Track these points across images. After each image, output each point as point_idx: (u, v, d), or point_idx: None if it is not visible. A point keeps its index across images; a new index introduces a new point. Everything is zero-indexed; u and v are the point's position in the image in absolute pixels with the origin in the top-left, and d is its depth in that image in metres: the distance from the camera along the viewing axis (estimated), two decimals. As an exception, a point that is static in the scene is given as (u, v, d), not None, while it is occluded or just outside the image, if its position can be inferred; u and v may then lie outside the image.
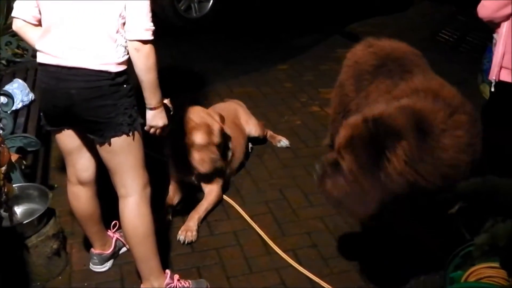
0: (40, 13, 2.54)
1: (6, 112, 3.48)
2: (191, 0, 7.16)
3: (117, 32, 2.44)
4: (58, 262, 3.10)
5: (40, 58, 2.55)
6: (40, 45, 2.53)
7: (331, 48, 6.58)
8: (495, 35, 3.23)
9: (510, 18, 3.08)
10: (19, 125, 3.57)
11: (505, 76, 3.18)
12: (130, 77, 2.57)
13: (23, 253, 2.90)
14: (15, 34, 4.76)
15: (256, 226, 3.54)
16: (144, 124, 2.65)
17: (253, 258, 3.29)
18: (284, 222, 3.60)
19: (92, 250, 3.14)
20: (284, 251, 3.31)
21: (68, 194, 2.94)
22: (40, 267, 3.00)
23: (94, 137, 2.60)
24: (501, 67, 3.18)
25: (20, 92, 3.71)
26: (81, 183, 2.88)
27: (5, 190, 2.46)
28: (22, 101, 3.72)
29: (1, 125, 3.35)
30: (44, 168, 4.13)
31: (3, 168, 2.42)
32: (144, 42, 2.45)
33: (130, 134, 2.56)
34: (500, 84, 3.21)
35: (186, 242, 3.39)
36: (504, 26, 3.11)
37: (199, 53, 6.51)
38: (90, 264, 3.17)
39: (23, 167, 2.78)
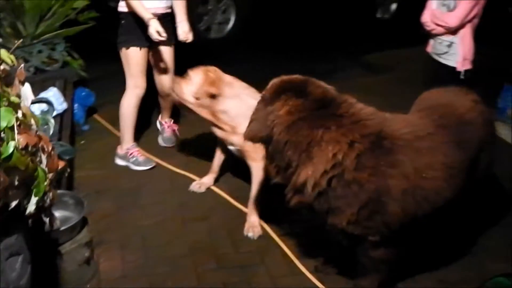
0: None
1: (49, 118, 3.53)
2: (211, 21, 7.28)
3: None
4: (87, 270, 3.13)
5: None
6: None
7: (353, 77, 6.62)
8: (447, 38, 4.20)
9: (468, 24, 4.12)
10: (54, 133, 3.62)
11: (468, 65, 4.20)
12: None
13: (57, 258, 2.93)
14: (47, 43, 4.86)
15: (283, 245, 3.57)
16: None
17: (279, 277, 3.32)
18: (310, 242, 3.60)
19: None
20: (310, 272, 3.33)
21: None
22: (71, 274, 3.02)
23: None
24: (465, 60, 4.18)
25: (55, 100, 3.76)
26: None
27: (50, 196, 2.50)
28: (56, 109, 3.77)
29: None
30: (69, 177, 4.18)
31: (51, 174, 2.45)
32: None
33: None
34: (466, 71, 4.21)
35: (256, 238, 3.65)
36: (461, 31, 4.12)
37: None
38: None
39: (66, 174, 2.82)
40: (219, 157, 4.16)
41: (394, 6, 9.29)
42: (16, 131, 2.11)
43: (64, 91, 4.34)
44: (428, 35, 4.40)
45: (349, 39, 8.17)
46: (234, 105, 3.70)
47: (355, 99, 2.86)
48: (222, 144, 4.03)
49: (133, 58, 4.24)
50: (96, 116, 5.26)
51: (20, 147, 2.11)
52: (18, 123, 2.14)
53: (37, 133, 2.28)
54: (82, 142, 4.67)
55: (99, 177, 4.17)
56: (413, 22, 8.45)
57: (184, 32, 4.24)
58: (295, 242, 3.60)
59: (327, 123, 2.68)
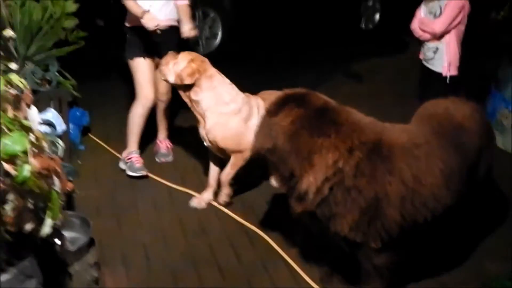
0: None
1: (55, 136, 3.52)
2: (199, 37, 7.34)
3: None
4: (95, 290, 3.16)
5: None
6: None
7: (335, 87, 6.64)
8: (433, 44, 4.39)
9: (452, 30, 4.31)
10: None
11: (454, 71, 4.38)
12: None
13: (66, 279, 2.95)
14: (39, 64, 4.86)
15: (285, 255, 3.61)
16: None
17: (283, 288, 3.37)
18: (314, 251, 3.62)
19: None
20: (314, 280, 3.37)
21: None
22: (79, 294, 3.05)
23: None
24: (450, 65, 4.35)
25: (55, 121, 3.79)
26: None
27: (61, 217, 2.52)
28: (56, 131, 3.80)
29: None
30: (69, 196, 4.20)
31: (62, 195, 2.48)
32: None
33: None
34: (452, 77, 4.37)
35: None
36: (447, 36, 4.33)
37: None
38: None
39: (75, 195, 2.85)
40: (213, 170, 4.21)
41: (377, 16, 9.43)
42: (29, 155, 2.15)
43: (59, 112, 4.35)
44: (419, 42, 4.59)
45: (334, 48, 8.27)
46: (207, 98, 3.91)
47: (354, 110, 2.96)
48: (213, 155, 4.12)
49: (139, 68, 4.50)
50: (90, 135, 5.28)
51: (35, 170, 2.14)
52: (31, 146, 2.18)
53: (49, 155, 2.32)
54: (79, 161, 4.69)
55: (98, 196, 4.19)
56: (396, 31, 8.72)
57: (188, 29, 4.37)
58: (298, 251, 3.64)
59: (327, 131, 2.80)
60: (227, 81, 4.02)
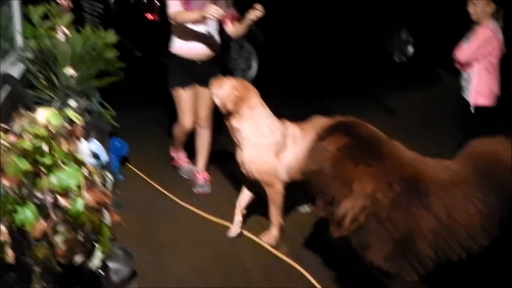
0: None
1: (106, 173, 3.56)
2: (234, 68, 7.46)
3: None
4: (136, 321, 3.17)
5: None
6: None
7: (371, 120, 6.66)
8: (465, 74, 4.44)
9: (481, 60, 4.33)
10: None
11: (481, 101, 4.38)
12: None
13: (109, 311, 2.97)
14: (81, 95, 4.95)
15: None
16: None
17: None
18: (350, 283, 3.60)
19: None
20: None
21: None
22: (121, 326, 3.06)
23: None
24: (477, 94, 4.37)
25: (99, 152, 3.83)
26: None
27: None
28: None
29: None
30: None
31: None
32: None
33: None
34: (478, 107, 4.39)
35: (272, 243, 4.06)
36: (475, 65, 4.36)
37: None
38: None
39: (120, 228, 2.86)
40: (245, 194, 4.23)
41: (410, 49, 9.43)
42: (83, 189, 2.19)
43: (101, 142, 4.41)
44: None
45: (367, 82, 8.28)
46: (247, 127, 3.99)
47: (400, 144, 3.04)
48: (247, 180, 4.15)
49: (180, 97, 4.78)
50: (128, 165, 5.34)
51: (89, 205, 2.17)
52: (84, 180, 2.21)
53: (101, 189, 2.36)
54: (118, 192, 4.72)
55: (137, 227, 4.21)
56: (430, 64, 8.70)
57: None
58: (335, 285, 3.62)
59: (370, 161, 2.92)
60: (269, 112, 4.08)
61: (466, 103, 4.49)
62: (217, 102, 4.06)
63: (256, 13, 4.35)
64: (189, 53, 4.70)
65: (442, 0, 8.05)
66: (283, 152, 4.01)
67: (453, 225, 2.86)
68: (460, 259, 2.95)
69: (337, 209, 2.95)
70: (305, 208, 4.55)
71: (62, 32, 3.54)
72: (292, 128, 4.11)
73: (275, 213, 4.09)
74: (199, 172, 5.03)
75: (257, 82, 7.52)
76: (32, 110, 4.26)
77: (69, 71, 3.45)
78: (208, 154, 5.01)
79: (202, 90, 4.75)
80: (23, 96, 4.60)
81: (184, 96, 4.76)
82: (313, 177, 3.08)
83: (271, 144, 3.99)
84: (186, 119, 4.81)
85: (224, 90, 4.00)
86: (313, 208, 4.48)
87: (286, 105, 6.83)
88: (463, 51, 4.42)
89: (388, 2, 9.05)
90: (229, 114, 4.00)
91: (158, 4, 7.28)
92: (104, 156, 3.88)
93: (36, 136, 2.08)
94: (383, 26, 9.16)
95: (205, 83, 4.49)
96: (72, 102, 4.23)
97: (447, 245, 2.88)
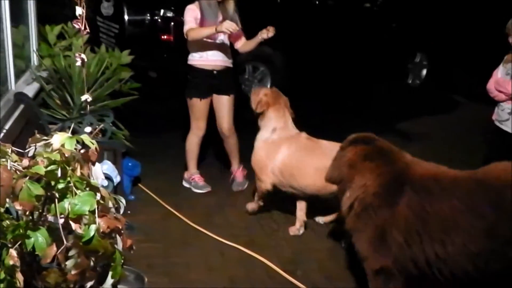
0: None
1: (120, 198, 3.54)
2: (248, 90, 7.44)
3: None
4: None
5: None
6: None
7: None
8: (507, 105, 4.37)
9: None
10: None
11: None
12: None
13: (118, 336, 2.91)
14: (94, 115, 4.95)
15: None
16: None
17: None
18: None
19: None
20: None
21: None
22: None
23: None
24: None
25: (111, 173, 3.82)
26: None
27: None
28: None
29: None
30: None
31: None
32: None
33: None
34: None
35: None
36: None
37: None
38: None
39: (132, 252, 2.84)
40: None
41: (424, 73, 9.41)
42: (97, 215, 2.15)
43: (114, 163, 4.40)
44: (493, 103, 4.62)
45: (381, 105, 8.26)
46: (263, 125, 4.63)
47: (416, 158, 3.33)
48: None
49: (195, 106, 5.13)
50: (140, 185, 5.31)
51: (101, 231, 2.14)
52: (98, 206, 2.18)
53: (114, 215, 2.32)
54: (129, 212, 4.69)
55: (148, 250, 4.16)
56: (443, 87, 8.68)
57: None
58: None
59: (374, 158, 3.27)
60: (286, 115, 4.64)
61: (504, 133, 4.44)
62: (252, 105, 4.68)
63: (268, 33, 4.77)
64: (205, 64, 5.06)
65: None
66: (275, 157, 4.48)
67: (426, 219, 3.01)
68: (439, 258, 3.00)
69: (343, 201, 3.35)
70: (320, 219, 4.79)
71: (80, 58, 3.53)
72: (302, 139, 4.56)
73: (256, 196, 4.76)
74: (236, 170, 5.41)
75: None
76: (45, 129, 4.27)
77: (85, 96, 3.43)
78: (238, 153, 5.40)
79: (219, 101, 5.18)
80: (37, 114, 4.62)
81: (198, 104, 5.11)
82: (336, 182, 3.46)
83: (269, 141, 4.54)
84: (201, 123, 5.18)
85: (258, 95, 4.63)
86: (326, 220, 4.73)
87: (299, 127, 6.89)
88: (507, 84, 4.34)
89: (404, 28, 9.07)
90: (258, 115, 4.63)
91: (172, 24, 7.30)
92: (116, 177, 3.86)
93: (50, 161, 2.05)
94: (400, 50, 9.12)
95: (221, 93, 5.14)
96: (87, 127, 4.20)
97: (418, 236, 3.02)
